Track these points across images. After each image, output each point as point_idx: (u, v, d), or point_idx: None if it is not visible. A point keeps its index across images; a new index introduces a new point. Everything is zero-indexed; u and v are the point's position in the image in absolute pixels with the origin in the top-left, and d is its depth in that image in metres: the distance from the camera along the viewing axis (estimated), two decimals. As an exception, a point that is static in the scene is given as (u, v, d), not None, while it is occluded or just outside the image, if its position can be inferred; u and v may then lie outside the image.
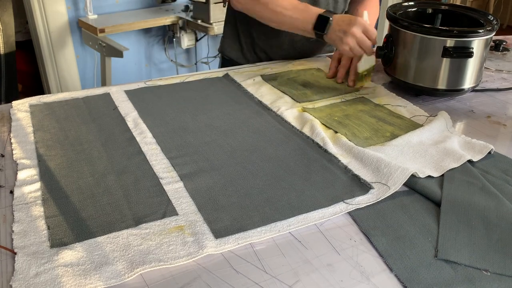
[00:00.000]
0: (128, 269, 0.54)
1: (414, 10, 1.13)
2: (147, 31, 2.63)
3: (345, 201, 0.67)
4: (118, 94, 1.01)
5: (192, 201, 0.67)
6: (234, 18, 1.29)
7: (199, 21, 2.34)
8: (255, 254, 0.58)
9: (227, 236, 0.60)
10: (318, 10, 1.05)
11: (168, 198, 0.67)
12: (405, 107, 0.98)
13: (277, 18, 1.10)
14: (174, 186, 0.70)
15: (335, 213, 0.65)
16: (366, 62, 1.05)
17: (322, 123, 0.90)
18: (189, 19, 2.39)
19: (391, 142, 0.83)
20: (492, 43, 1.34)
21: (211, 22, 2.29)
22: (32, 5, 2.24)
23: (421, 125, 0.90)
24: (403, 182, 0.70)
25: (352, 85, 1.08)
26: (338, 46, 1.03)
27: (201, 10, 2.33)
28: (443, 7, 1.13)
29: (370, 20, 1.24)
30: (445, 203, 0.67)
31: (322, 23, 1.04)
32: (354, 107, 0.97)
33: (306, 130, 0.87)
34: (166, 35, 2.68)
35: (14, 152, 0.78)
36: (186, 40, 2.52)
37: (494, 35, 1.02)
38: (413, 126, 0.90)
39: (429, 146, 0.81)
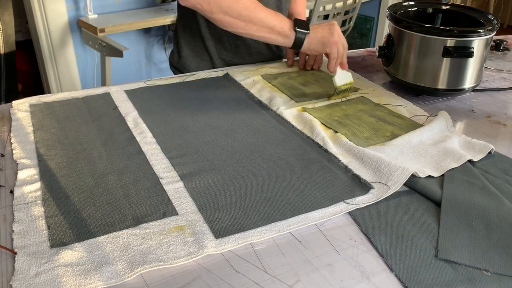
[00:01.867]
0: (128, 269, 0.54)
1: (414, 10, 1.13)
2: (147, 31, 2.63)
3: (345, 201, 0.67)
4: (118, 94, 1.01)
5: (192, 201, 0.67)
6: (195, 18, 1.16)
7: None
8: (255, 254, 0.58)
9: (227, 236, 0.60)
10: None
11: (168, 198, 0.67)
12: (405, 107, 0.98)
13: (249, 14, 0.95)
14: (174, 186, 0.70)
15: (335, 213, 0.65)
16: (343, 78, 1.01)
17: (322, 123, 0.90)
18: (189, 18, 2.39)
19: (391, 142, 0.83)
20: (492, 43, 1.34)
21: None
22: (32, 4, 2.24)
23: (421, 125, 0.90)
24: (403, 182, 0.70)
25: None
26: (328, 39, 0.98)
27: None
28: (443, 6, 1.13)
29: (302, 10, 1.27)
30: (446, 203, 0.67)
31: (302, 24, 0.99)
32: (354, 107, 0.97)
33: (306, 130, 0.87)
34: (166, 35, 2.68)
35: (14, 151, 0.78)
36: (186, 40, 2.52)
37: (495, 35, 1.02)
38: (413, 125, 0.90)
39: (429, 146, 0.81)
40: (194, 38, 1.20)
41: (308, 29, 0.99)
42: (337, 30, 1.01)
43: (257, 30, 0.97)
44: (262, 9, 0.97)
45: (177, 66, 1.26)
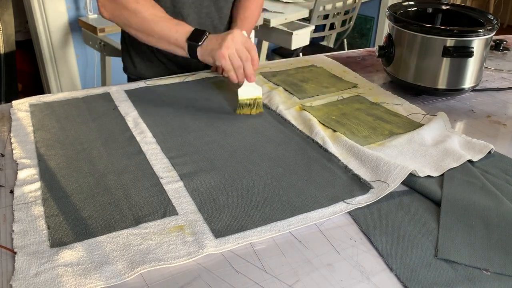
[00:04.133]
0: (128, 269, 0.54)
1: (414, 10, 1.13)
2: (147, 30, 2.62)
3: (345, 200, 0.67)
4: (118, 94, 1.01)
5: (192, 201, 0.67)
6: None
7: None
8: (255, 253, 0.58)
9: (227, 236, 0.60)
10: (192, 27, 0.96)
11: (168, 198, 0.67)
12: (401, 105, 0.98)
13: (147, 27, 0.97)
14: (174, 186, 0.70)
15: (335, 213, 0.65)
16: (248, 91, 0.92)
17: (321, 122, 0.90)
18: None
19: (391, 142, 0.83)
20: (492, 43, 1.34)
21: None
22: (32, 4, 2.24)
23: (418, 123, 0.90)
24: (402, 179, 0.70)
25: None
26: (215, 53, 0.91)
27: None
28: (443, 6, 1.13)
29: (251, 13, 1.17)
30: (445, 202, 0.67)
31: (197, 34, 0.94)
32: (350, 106, 0.97)
33: (305, 130, 0.87)
34: (166, 35, 2.68)
35: (14, 151, 0.78)
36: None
37: (494, 35, 1.02)
38: (411, 124, 0.90)
39: (429, 146, 0.81)
40: (140, 44, 1.12)
41: (199, 40, 0.93)
42: (229, 41, 0.90)
43: (157, 41, 0.99)
44: (161, 21, 0.97)
45: (134, 75, 1.22)
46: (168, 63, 1.19)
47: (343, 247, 0.60)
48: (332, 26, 2.69)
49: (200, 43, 0.93)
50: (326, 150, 0.80)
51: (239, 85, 0.94)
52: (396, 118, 0.92)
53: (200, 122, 0.90)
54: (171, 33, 0.95)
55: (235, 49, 0.90)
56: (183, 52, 0.96)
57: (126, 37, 1.21)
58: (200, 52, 0.94)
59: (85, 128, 0.87)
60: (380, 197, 0.68)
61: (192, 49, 0.94)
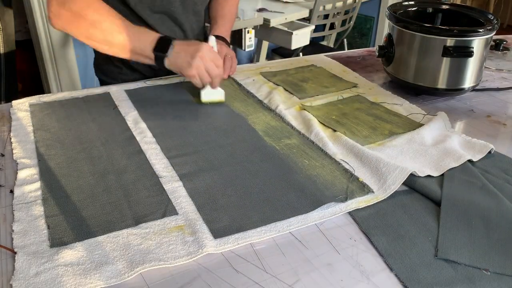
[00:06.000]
0: (128, 269, 0.54)
1: (414, 10, 1.13)
2: (147, 30, 2.62)
3: (344, 202, 0.67)
4: (118, 94, 1.01)
5: (191, 201, 0.67)
6: None
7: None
8: (255, 253, 0.58)
9: (227, 236, 0.60)
10: (156, 34, 0.93)
11: (168, 198, 0.67)
12: (401, 105, 0.98)
13: (108, 38, 0.92)
14: (173, 186, 0.70)
15: (335, 213, 0.65)
16: (212, 94, 0.97)
17: (321, 122, 0.90)
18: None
19: (391, 142, 0.83)
20: (492, 43, 1.34)
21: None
22: (32, 4, 2.24)
23: (419, 123, 0.90)
24: (402, 181, 0.70)
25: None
26: (184, 71, 0.91)
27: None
28: (443, 6, 1.13)
29: (227, 24, 1.18)
30: (445, 202, 0.67)
31: (163, 44, 0.92)
32: (350, 106, 0.97)
33: (305, 130, 0.87)
34: (166, 35, 2.68)
35: (14, 151, 0.78)
36: (186, 40, 2.52)
37: (494, 35, 1.02)
38: (411, 123, 0.90)
39: (429, 146, 0.81)
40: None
41: (166, 51, 0.91)
42: (198, 60, 0.90)
43: (120, 51, 0.94)
44: (123, 30, 0.91)
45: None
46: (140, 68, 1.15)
47: (343, 246, 0.60)
48: (332, 26, 2.69)
49: (166, 55, 0.91)
50: (326, 151, 0.80)
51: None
52: (396, 118, 0.92)
53: (200, 122, 0.90)
54: (136, 44, 0.92)
55: (204, 67, 0.91)
56: (149, 61, 0.94)
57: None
58: (168, 63, 0.92)
59: (85, 128, 0.87)
60: (379, 200, 0.68)
61: (159, 59, 0.92)
